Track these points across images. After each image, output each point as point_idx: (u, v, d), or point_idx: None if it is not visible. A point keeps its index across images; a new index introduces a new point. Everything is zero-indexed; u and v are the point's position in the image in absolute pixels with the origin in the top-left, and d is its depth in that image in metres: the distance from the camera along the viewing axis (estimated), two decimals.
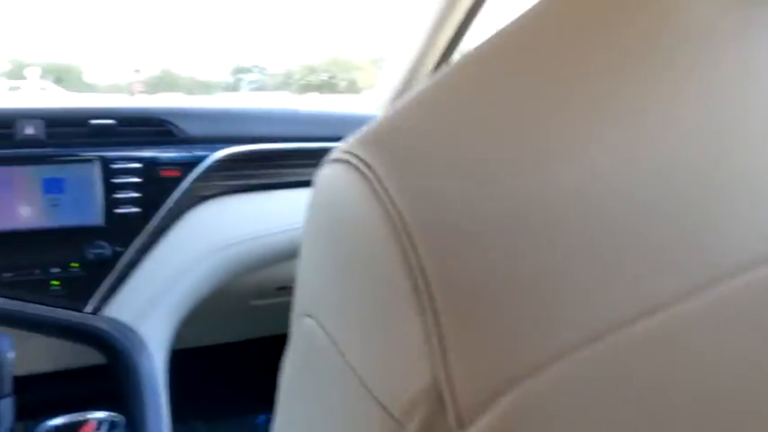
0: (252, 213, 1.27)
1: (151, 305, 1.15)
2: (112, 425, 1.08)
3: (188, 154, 1.21)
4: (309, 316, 0.34)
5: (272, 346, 1.59)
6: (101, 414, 1.09)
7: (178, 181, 1.18)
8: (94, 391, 1.19)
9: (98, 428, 1.03)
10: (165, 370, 1.14)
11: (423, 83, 0.32)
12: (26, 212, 1.09)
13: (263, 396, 0.92)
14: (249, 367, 1.53)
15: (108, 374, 1.17)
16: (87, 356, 1.19)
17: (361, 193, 0.29)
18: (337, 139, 1.28)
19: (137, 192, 1.15)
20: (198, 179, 1.20)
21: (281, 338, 1.45)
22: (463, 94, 0.31)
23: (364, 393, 0.29)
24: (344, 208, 0.31)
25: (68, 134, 1.16)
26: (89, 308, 1.11)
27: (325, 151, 1.12)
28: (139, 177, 1.16)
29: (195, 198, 1.20)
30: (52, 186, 1.12)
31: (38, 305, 1.09)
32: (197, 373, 1.40)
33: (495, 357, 0.25)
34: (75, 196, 1.12)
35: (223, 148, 1.24)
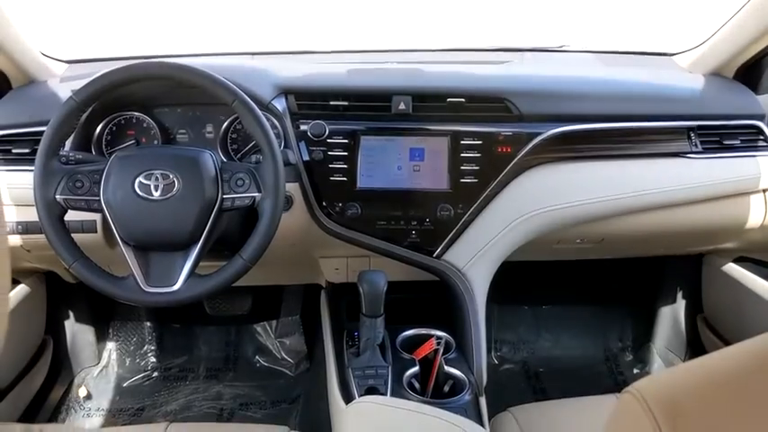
0: (569, 182, 1.48)
1: (478, 255, 1.46)
2: (447, 343, 1.47)
3: (520, 131, 1.44)
4: None
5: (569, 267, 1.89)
6: (440, 333, 1.48)
7: (510, 157, 1.43)
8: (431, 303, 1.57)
9: (438, 344, 1.41)
10: (484, 304, 1.47)
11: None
12: (396, 175, 1.43)
13: None
14: None
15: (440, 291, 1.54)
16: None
17: None
18: (661, 117, 1.42)
19: (476, 165, 1.43)
20: (526, 154, 1.44)
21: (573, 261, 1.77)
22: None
23: None
24: None
25: (430, 109, 1.44)
26: (435, 254, 1.46)
27: (643, 130, 1.31)
28: (479, 153, 1.43)
29: (522, 168, 1.44)
30: (416, 155, 1.44)
31: (399, 247, 1.46)
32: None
33: None
34: (431, 165, 1.43)
35: (551, 125, 1.45)
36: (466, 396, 1.34)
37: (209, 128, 1.49)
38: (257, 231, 1.22)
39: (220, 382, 2.13)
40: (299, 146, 1.42)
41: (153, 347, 2.19)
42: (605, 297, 2.22)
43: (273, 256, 1.29)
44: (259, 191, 1.23)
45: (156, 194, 1.20)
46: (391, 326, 1.46)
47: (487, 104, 1.45)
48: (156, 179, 1.21)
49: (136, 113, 1.48)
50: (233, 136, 1.49)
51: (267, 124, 1.23)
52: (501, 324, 2.22)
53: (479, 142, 1.43)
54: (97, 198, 1.21)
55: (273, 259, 1.37)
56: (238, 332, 2.23)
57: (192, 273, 1.22)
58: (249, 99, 1.23)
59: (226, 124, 1.48)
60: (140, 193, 1.20)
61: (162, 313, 2.20)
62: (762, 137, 1.53)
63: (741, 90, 1.60)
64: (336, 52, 1.89)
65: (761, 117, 1.53)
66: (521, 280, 2.08)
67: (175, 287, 1.21)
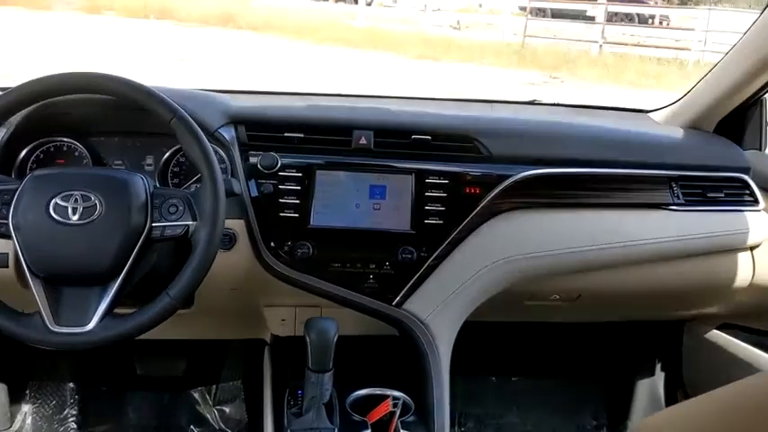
0: (543, 230, 1.37)
1: (443, 305, 1.31)
2: (405, 404, 1.29)
3: (490, 172, 1.33)
4: None
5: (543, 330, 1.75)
6: (397, 393, 1.30)
7: (478, 199, 1.31)
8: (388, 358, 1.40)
9: (395, 405, 1.23)
10: (448, 360, 1.31)
11: None
12: (354, 213, 1.30)
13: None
14: None
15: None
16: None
17: None
18: (639, 165, 1.32)
19: (442, 206, 1.30)
20: (495, 197, 1.32)
21: (546, 325, 1.60)
22: None
23: None
24: None
25: (393, 145, 1.33)
26: (394, 302, 1.30)
27: (620, 178, 1.19)
28: (445, 193, 1.31)
29: (492, 212, 1.33)
30: (376, 192, 1.31)
31: (355, 293, 1.30)
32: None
33: None
34: (393, 203, 1.30)
35: (522, 168, 1.34)
36: None
37: (149, 159, 1.35)
38: (188, 265, 1.07)
39: None
40: (246, 180, 1.28)
41: (74, 412, 1.94)
42: (579, 369, 2.07)
43: (212, 303, 1.15)
44: (194, 219, 1.09)
45: (74, 218, 1.05)
46: (342, 385, 1.28)
47: (455, 144, 1.35)
48: (76, 201, 1.06)
49: (66, 140, 1.33)
50: (174, 169, 1.36)
51: (209, 145, 1.11)
52: (466, 396, 2.03)
53: (446, 182, 1.31)
54: (5, 221, 1.05)
55: (212, 308, 1.24)
56: (172, 397, 2.00)
57: (108, 311, 1.05)
58: (190, 118, 1.10)
59: (167, 155, 1.34)
60: (55, 216, 1.04)
61: (87, 373, 1.97)
62: (747, 191, 1.44)
63: (723, 142, 1.52)
64: (298, 94, 1.79)
65: (746, 170, 1.45)
66: (488, 347, 1.92)
67: (88, 327, 1.03)
